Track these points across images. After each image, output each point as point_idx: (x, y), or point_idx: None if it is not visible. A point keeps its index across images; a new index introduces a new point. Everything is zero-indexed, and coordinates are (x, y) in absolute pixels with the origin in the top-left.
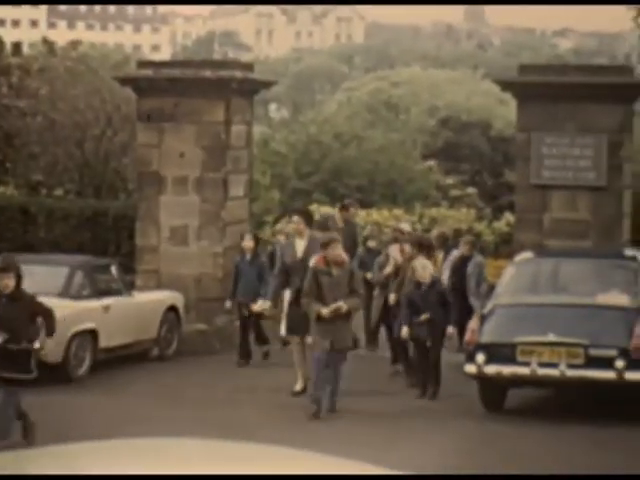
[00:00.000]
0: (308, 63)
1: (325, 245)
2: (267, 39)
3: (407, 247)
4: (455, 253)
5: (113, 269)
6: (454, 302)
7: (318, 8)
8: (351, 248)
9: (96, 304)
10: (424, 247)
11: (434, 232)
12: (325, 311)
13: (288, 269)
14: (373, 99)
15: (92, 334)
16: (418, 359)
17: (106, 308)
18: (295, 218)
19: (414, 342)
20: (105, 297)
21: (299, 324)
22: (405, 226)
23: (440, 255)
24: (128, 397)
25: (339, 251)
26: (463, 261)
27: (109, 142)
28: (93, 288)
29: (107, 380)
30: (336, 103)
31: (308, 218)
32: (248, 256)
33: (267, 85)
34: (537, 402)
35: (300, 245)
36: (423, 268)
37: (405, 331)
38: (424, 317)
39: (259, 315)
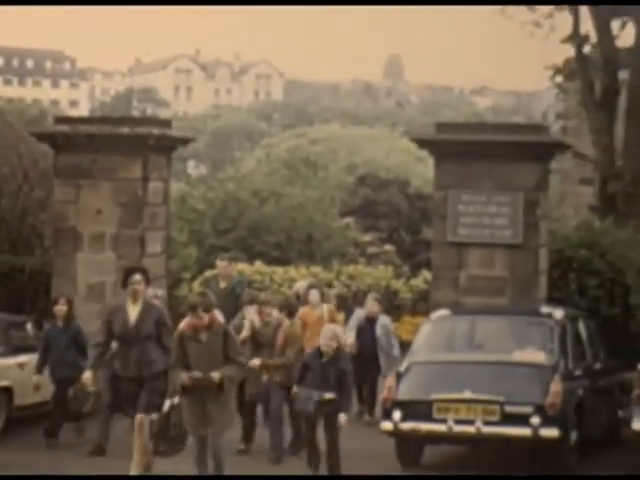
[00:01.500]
0: (227, 120)
1: (192, 308)
2: (186, 95)
3: (268, 310)
4: (359, 313)
5: (29, 326)
6: (354, 376)
7: (237, 65)
8: (232, 310)
9: (11, 361)
10: (290, 310)
11: (332, 293)
12: (184, 377)
13: (117, 339)
14: (292, 156)
15: (7, 392)
16: (307, 436)
17: (21, 365)
18: (137, 277)
19: (303, 416)
20: (20, 354)
21: (126, 400)
22: (301, 284)
23: (341, 317)
24: (50, 453)
25: (209, 315)
26: (370, 321)
27: (26, 198)
28: (8, 345)
29: (24, 437)
30: (255, 160)
31: (148, 277)
32: (60, 323)
33: (185, 142)
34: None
35: (134, 310)
36: (331, 338)
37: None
38: (328, 397)
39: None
